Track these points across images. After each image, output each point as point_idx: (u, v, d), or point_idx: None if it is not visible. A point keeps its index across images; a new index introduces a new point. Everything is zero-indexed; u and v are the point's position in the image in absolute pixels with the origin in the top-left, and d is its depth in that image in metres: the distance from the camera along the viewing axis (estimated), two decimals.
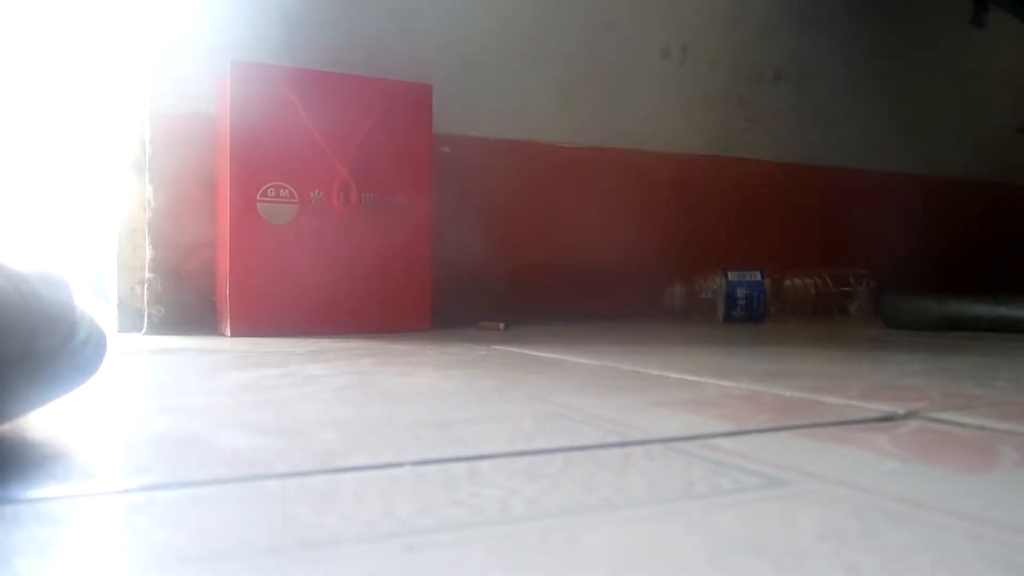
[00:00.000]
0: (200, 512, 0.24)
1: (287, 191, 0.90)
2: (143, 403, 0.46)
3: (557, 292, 1.16)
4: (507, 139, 1.14)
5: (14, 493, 0.26)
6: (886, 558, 0.20)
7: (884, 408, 0.42)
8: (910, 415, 0.40)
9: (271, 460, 0.31)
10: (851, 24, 1.41)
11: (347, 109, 0.92)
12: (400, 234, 0.95)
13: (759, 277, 1.12)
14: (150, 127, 0.95)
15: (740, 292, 1.11)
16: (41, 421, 0.38)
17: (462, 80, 1.10)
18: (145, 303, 0.95)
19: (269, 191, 0.89)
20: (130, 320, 0.96)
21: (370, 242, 0.93)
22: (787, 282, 1.14)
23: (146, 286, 0.95)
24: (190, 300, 0.96)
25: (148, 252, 0.95)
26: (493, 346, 0.78)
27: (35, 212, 1.15)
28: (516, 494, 0.26)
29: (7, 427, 0.35)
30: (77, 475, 0.29)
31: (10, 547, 0.21)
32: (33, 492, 0.26)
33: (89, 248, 1.10)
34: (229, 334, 0.88)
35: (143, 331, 0.94)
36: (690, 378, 0.54)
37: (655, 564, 0.20)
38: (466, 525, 0.23)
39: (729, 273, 1.12)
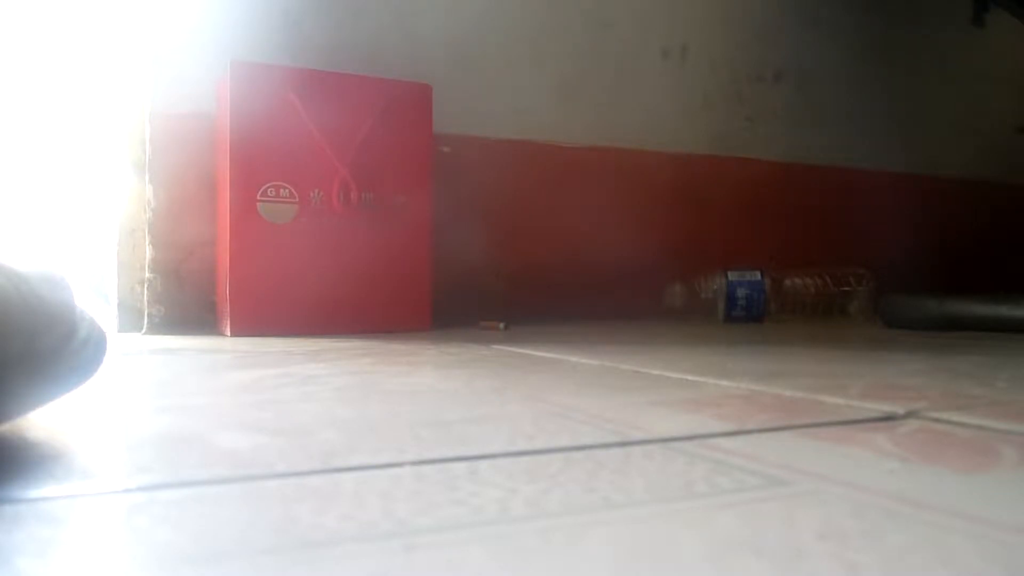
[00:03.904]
0: (200, 512, 0.24)
1: (287, 191, 0.90)
2: (143, 403, 0.46)
3: (557, 292, 1.16)
4: (507, 139, 1.14)
5: (14, 493, 0.26)
6: (886, 558, 0.20)
7: (884, 408, 0.42)
8: (910, 415, 0.40)
9: (271, 460, 0.31)
10: (851, 24, 1.41)
11: (347, 109, 0.92)
12: (400, 234, 0.95)
13: (759, 277, 1.12)
14: (150, 127, 0.95)
15: (740, 292, 1.11)
16: (41, 421, 0.38)
17: (462, 80, 1.10)
18: (145, 303, 0.95)
19: (269, 191, 0.89)
20: (130, 320, 0.96)
21: (370, 242, 0.93)
22: (787, 282, 1.14)
23: (146, 286, 0.95)
24: (190, 300, 0.96)
25: (148, 252, 0.95)
26: (493, 346, 0.78)
27: (35, 212, 1.15)
28: (516, 494, 0.26)
29: (7, 427, 0.35)
30: (77, 475, 0.29)
31: (10, 547, 0.21)
32: (33, 492, 0.26)
33: (89, 248, 1.10)
34: (229, 334, 0.88)
35: (143, 331, 0.94)
36: (690, 378, 0.54)
37: (655, 564, 0.20)
38: (466, 525, 0.23)
39: (729, 273, 1.12)
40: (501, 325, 0.99)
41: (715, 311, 1.13)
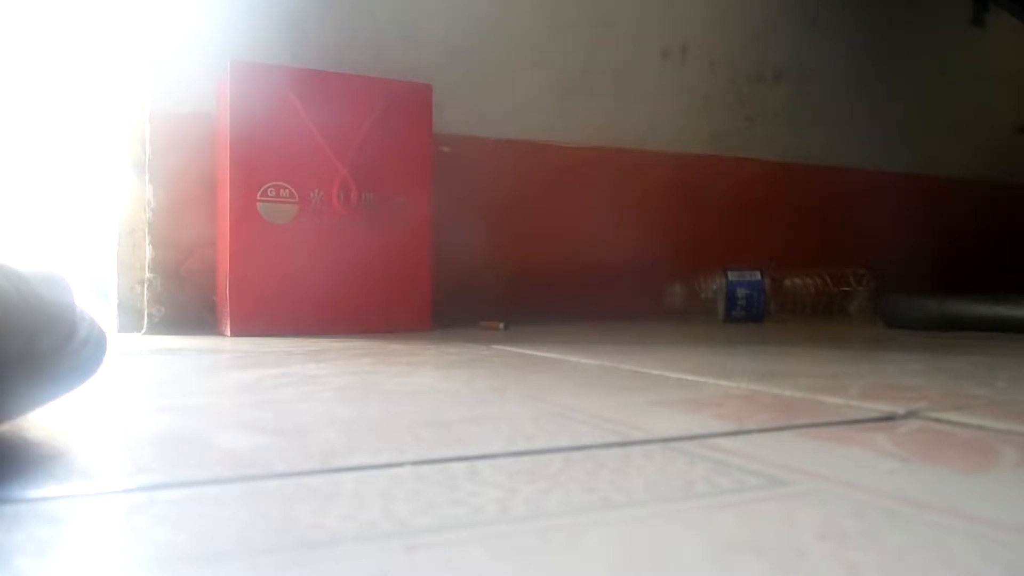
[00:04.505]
0: (200, 512, 0.24)
1: (287, 191, 0.90)
2: (143, 403, 0.46)
3: (557, 292, 1.16)
4: (507, 139, 1.14)
5: (14, 493, 0.26)
6: (886, 558, 0.20)
7: (884, 408, 0.42)
8: (910, 415, 0.40)
9: (271, 460, 0.31)
10: (851, 24, 1.41)
11: (347, 109, 0.92)
12: (400, 234, 0.95)
13: (759, 277, 1.12)
14: (150, 127, 0.95)
15: (740, 292, 1.11)
16: (41, 421, 0.38)
17: (462, 80, 1.10)
18: (145, 303, 0.95)
19: (269, 191, 0.89)
20: (130, 320, 0.96)
21: (370, 242, 0.93)
22: (787, 282, 1.14)
23: (146, 286, 0.95)
24: (190, 300, 0.96)
25: (148, 252, 0.95)
26: (493, 346, 0.78)
27: (35, 212, 1.15)
28: (516, 494, 0.26)
29: (7, 427, 0.35)
30: (77, 475, 0.29)
31: (10, 547, 0.21)
32: (33, 492, 0.26)
33: (89, 248, 1.10)
34: (229, 334, 0.88)
35: (143, 331, 0.94)
36: (690, 378, 0.54)
37: (655, 564, 0.20)
38: (466, 525, 0.23)
39: (729, 273, 1.12)
40: (501, 325, 0.99)
41: (715, 311, 1.13)
